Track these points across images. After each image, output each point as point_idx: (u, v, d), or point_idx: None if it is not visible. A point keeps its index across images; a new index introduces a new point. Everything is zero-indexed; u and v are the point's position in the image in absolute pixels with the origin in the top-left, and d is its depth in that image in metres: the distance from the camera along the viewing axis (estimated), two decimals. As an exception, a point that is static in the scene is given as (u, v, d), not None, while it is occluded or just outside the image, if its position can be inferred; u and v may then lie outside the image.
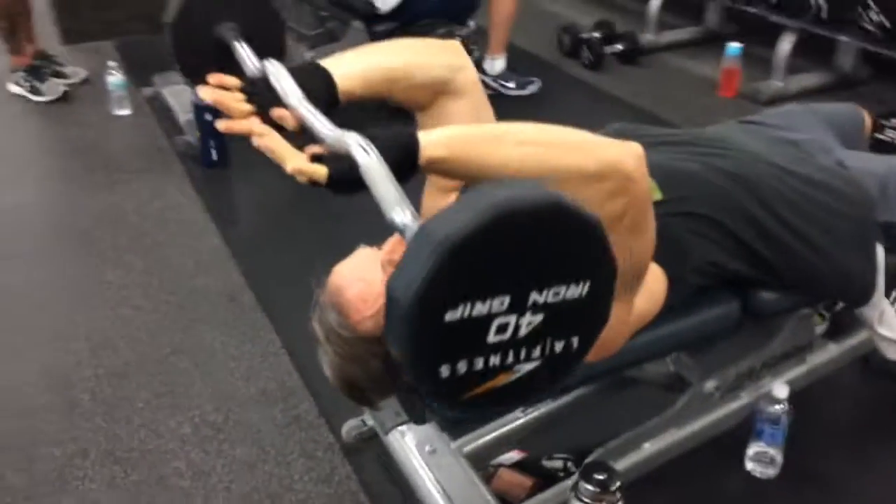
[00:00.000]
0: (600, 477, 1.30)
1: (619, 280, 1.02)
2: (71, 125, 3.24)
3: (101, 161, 2.97)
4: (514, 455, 1.65)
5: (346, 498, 1.59)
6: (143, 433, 1.76)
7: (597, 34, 3.99)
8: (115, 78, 3.28)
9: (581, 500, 1.31)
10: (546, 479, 1.57)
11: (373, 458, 1.65)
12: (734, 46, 3.43)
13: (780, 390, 1.54)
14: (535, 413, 1.64)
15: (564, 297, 0.79)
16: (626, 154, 0.99)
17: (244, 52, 1.24)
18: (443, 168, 0.96)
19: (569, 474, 1.61)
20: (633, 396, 1.65)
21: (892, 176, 1.43)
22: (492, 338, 0.78)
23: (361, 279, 1.18)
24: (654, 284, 1.18)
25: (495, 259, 0.75)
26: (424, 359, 0.79)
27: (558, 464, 1.64)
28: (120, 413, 1.81)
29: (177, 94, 3.22)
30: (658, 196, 1.23)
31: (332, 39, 3.37)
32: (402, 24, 3.21)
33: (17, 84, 3.43)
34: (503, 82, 3.57)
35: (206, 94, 1.10)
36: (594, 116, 1.48)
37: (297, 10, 3.31)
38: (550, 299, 0.78)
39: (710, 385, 1.53)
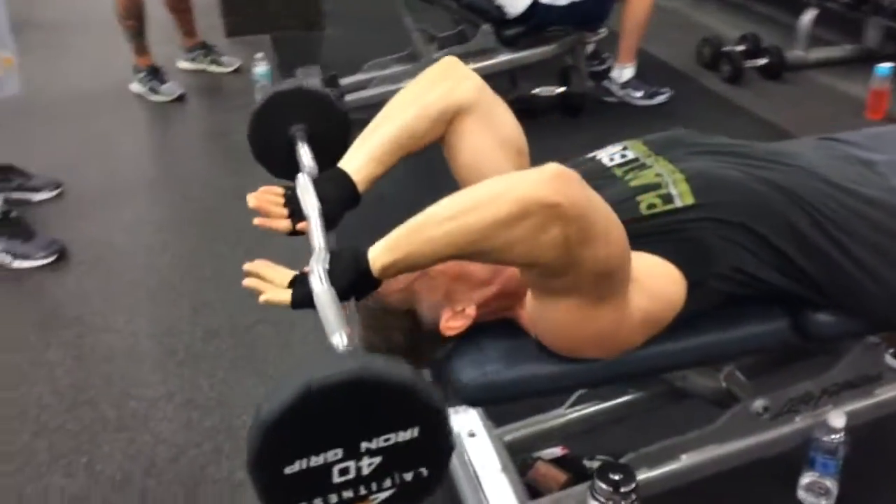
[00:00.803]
0: (615, 477, 1.30)
1: (592, 286, 1.07)
2: (216, 110, 3.55)
3: (235, 144, 3.21)
4: (556, 451, 1.66)
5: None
6: (221, 388, 1.92)
7: (740, 47, 3.86)
8: (260, 68, 3.54)
9: (596, 499, 1.32)
10: (581, 478, 1.57)
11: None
12: (885, 66, 3.22)
13: (837, 419, 1.46)
14: (581, 412, 1.65)
15: (397, 442, 0.89)
16: (538, 183, 0.98)
17: (303, 154, 1.43)
18: (397, 269, 1.08)
19: (608, 476, 1.61)
20: (688, 409, 1.61)
21: None
22: (336, 479, 0.89)
23: None
24: (665, 286, 1.17)
25: (314, 425, 0.87)
26: (280, 501, 0.90)
27: (598, 465, 1.63)
28: (206, 367, 1.99)
29: (316, 87, 3.43)
30: (690, 201, 1.21)
31: (462, 41, 3.47)
32: (530, 28, 3.27)
33: (139, 83, 3.65)
34: (631, 91, 3.53)
35: (250, 199, 1.33)
36: (724, 131, 1.47)
37: (428, 12, 3.43)
38: (382, 444, 0.88)
39: (758, 404, 1.47)
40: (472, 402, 1.28)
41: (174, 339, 2.09)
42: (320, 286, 1.06)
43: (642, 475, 1.43)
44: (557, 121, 3.35)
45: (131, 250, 2.52)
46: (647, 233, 1.20)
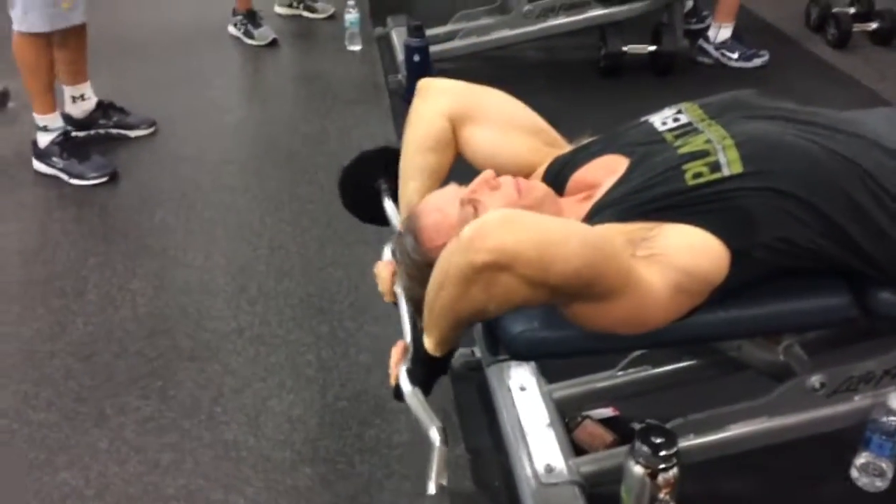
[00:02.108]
0: (657, 440, 1.31)
1: (588, 291, 1.09)
2: (307, 55, 3.62)
3: (322, 89, 3.29)
4: (606, 411, 1.68)
5: (439, 414, 1.69)
6: (289, 325, 2.00)
7: (851, 9, 3.65)
8: (351, 15, 3.59)
9: (636, 460, 1.32)
10: (628, 440, 1.57)
11: (474, 386, 1.76)
12: None
13: (894, 401, 1.42)
14: (634, 375, 1.64)
15: None
16: (462, 253, 1.03)
17: (389, 209, 1.59)
18: (445, 342, 1.21)
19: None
20: (745, 381, 1.59)
21: None
22: None
23: (439, 210, 1.29)
24: (700, 259, 1.14)
25: None
26: None
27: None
28: (275, 305, 2.07)
29: (402, 36, 3.45)
30: (739, 169, 1.18)
31: None
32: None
33: (235, 27, 3.74)
34: (726, 52, 3.40)
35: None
36: (823, 100, 1.42)
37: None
38: None
39: (814, 380, 1.44)
40: (519, 357, 1.30)
41: (248, 277, 2.18)
42: (408, 388, 1.24)
43: (687, 442, 1.43)
44: (645, 80, 3.27)
45: (215, 189, 2.63)
46: (692, 203, 1.18)
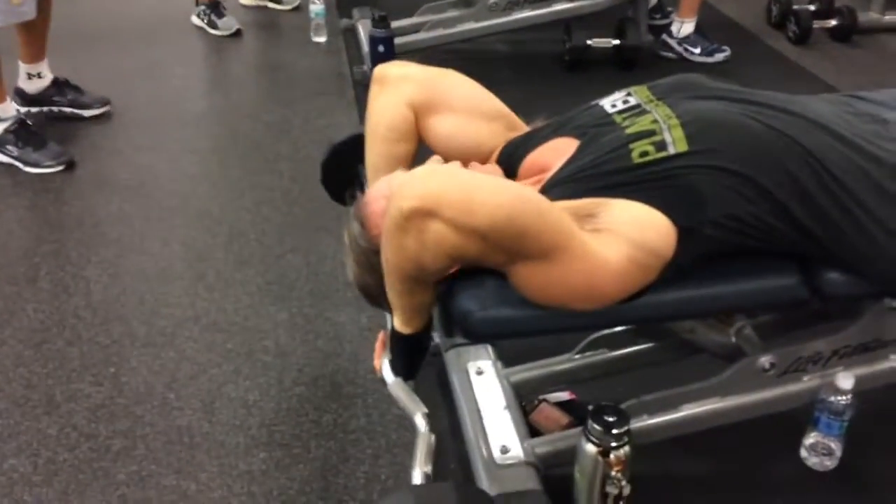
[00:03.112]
0: (609, 419, 1.31)
1: (521, 248, 1.10)
2: (271, 46, 3.60)
3: (286, 80, 3.27)
4: (562, 395, 1.68)
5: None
6: (247, 312, 1.98)
7: (811, 6, 3.71)
8: (317, 6, 3.56)
9: (589, 439, 1.33)
10: (584, 422, 1.58)
11: (434, 372, 1.75)
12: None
13: (845, 381, 1.43)
14: (591, 358, 1.65)
15: None
16: (395, 204, 1.05)
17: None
18: (411, 316, 1.24)
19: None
20: (700, 365, 1.60)
21: None
22: None
23: (385, 196, 1.28)
24: (648, 234, 1.15)
25: None
26: None
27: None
28: (233, 292, 2.05)
29: (368, 27, 3.43)
30: (684, 148, 1.19)
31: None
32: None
33: (198, 17, 3.71)
34: (689, 47, 3.43)
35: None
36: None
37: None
38: None
39: (764, 360, 1.45)
40: (473, 337, 1.30)
41: (206, 265, 2.16)
42: (391, 378, 1.32)
43: (640, 422, 1.44)
44: (609, 74, 3.29)
45: (174, 177, 2.60)
46: (638, 180, 1.19)
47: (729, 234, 1.20)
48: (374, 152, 1.47)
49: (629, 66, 3.32)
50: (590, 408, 1.61)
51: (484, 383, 1.58)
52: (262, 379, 1.77)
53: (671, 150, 1.19)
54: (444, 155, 1.44)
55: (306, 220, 2.34)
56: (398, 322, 1.22)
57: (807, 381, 1.49)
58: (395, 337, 1.25)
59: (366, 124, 1.50)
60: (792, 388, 1.49)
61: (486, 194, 1.05)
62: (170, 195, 2.49)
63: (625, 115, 1.30)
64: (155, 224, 2.34)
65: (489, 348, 1.66)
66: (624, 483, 1.32)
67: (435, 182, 1.04)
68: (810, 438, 1.52)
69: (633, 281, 1.17)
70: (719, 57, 3.41)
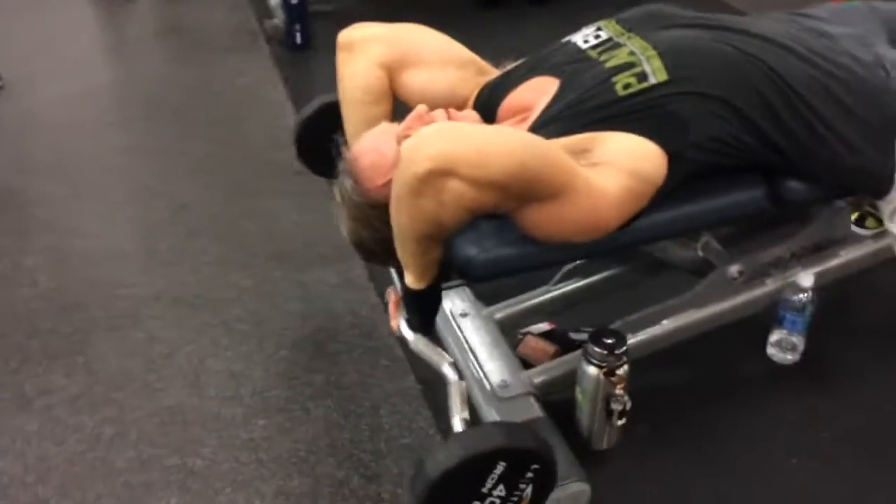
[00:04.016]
0: (608, 341, 1.39)
1: (535, 191, 1.13)
2: (169, 5, 3.42)
3: (195, 41, 3.14)
4: (543, 326, 1.74)
5: (383, 351, 1.73)
6: (210, 283, 1.94)
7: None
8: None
9: (590, 362, 1.40)
10: (569, 349, 1.65)
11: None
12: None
13: (806, 280, 1.56)
14: (565, 288, 1.72)
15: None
16: (405, 169, 1.06)
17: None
18: (423, 271, 1.24)
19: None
20: (667, 280, 1.69)
21: None
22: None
23: (376, 149, 1.29)
24: (643, 163, 1.21)
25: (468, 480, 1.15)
26: None
27: (583, 336, 1.69)
28: (191, 264, 2.00)
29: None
30: (664, 77, 1.24)
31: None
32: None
33: None
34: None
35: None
36: None
37: None
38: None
39: (733, 269, 1.56)
40: (477, 279, 1.33)
41: (156, 240, 2.09)
42: (411, 336, 1.34)
43: (629, 341, 1.52)
44: (522, 9, 3.30)
45: (98, 153, 2.48)
46: (626, 112, 1.24)
47: (709, 156, 1.27)
48: (353, 119, 1.46)
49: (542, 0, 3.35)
50: (572, 336, 1.71)
51: (470, 324, 1.63)
52: (243, 348, 1.76)
53: (652, 80, 1.24)
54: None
55: (250, 185, 2.29)
56: (412, 279, 1.24)
57: (770, 285, 1.61)
58: (410, 294, 1.27)
59: (340, 92, 1.49)
60: (758, 292, 1.60)
61: (495, 145, 1.08)
62: (98, 172, 2.38)
63: (599, 49, 1.33)
64: (89, 203, 2.24)
65: (467, 290, 1.71)
66: (626, 398, 1.40)
67: (445, 141, 1.05)
68: (775, 336, 1.65)
69: (630, 209, 1.23)
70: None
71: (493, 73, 1.49)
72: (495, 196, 1.09)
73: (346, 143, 1.61)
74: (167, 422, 1.59)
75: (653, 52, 1.27)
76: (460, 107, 1.46)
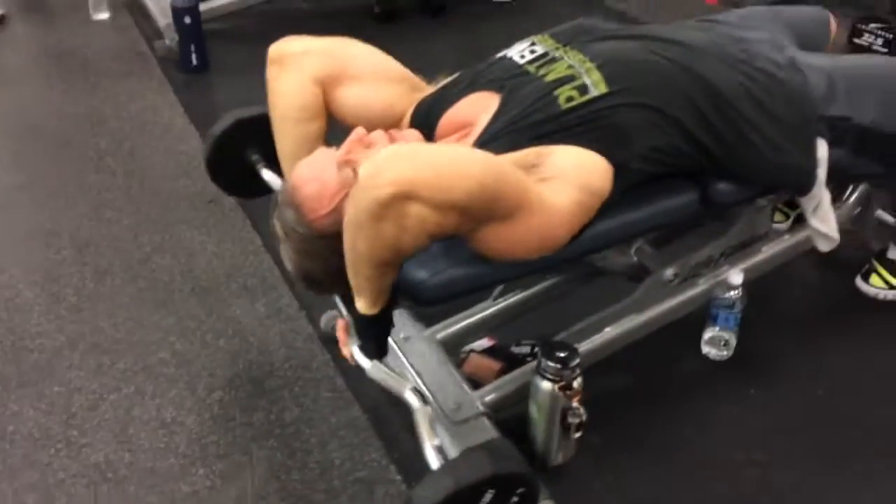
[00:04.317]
0: (561, 354, 1.38)
1: (493, 211, 1.11)
2: (47, 30, 3.21)
3: (80, 66, 2.96)
4: (484, 342, 1.73)
5: (323, 382, 1.67)
6: (128, 326, 1.82)
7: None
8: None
9: (544, 377, 1.39)
10: (514, 364, 1.65)
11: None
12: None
13: (735, 277, 1.61)
14: (504, 302, 1.70)
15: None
16: (363, 195, 1.02)
17: (272, 179, 1.57)
18: (375, 298, 1.18)
19: (535, 358, 1.69)
20: (599, 288, 1.71)
21: (837, 71, 1.44)
22: None
23: (317, 178, 1.24)
24: (592, 175, 1.22)
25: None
26: None
27: (525, 349, 1.72)
28: (104, 307, 1.87)
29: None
30: (605, 89, 1.26)
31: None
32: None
33: None
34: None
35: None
36: None
37: None
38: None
39: (668, 273, 1.59)
40: (430, 303, 1.30)
41: (60, 284, 1.95)
42: (367, 364, 1.27)
43: (575, 351, 1.53)
44: (421, 23, 3.29)
45: (-15, 193, 2.29)
46: (570, 125, 1.24)
47: (650, 165, 1.29)
48: (288, 137, 1.41)
49: (438, 12, 3.34)
50: (515, 349, 1.71)
51: (413, 347, 1.60)
52: (172, 393, 1.65)
53: (593, 93, 1.25)
54: (357, 123, 1.40)
55: (159, 217, 2.17)
56: (364, 305, 1.20)
57: (702, 284, 1.65)
58: (364, 320, 1.22)
59: (271, 109, 1.43)
60: (692, 292, 1.65)
61: (456, 167, 1.05)
62: (-13, 215, 2.20)
63: (536, 64, 1.33)
64: (-20, 250, 2.07)
65: (406, 313, 1.67)
66: (582, 411, 1.40)
67: (405, 165, 1.02)
68: (708, 333, 1.69)
69: (580, 222, 1.23)
70: (516, -7, 3.53)
71: (427, 89, 1.47)
72: (457, 219, 1.06)
73: (260, 158, 1.57)
74: (97, 481, 1.48)
75: (591, 65, 1.28)
76: (396, 123, 1.43)
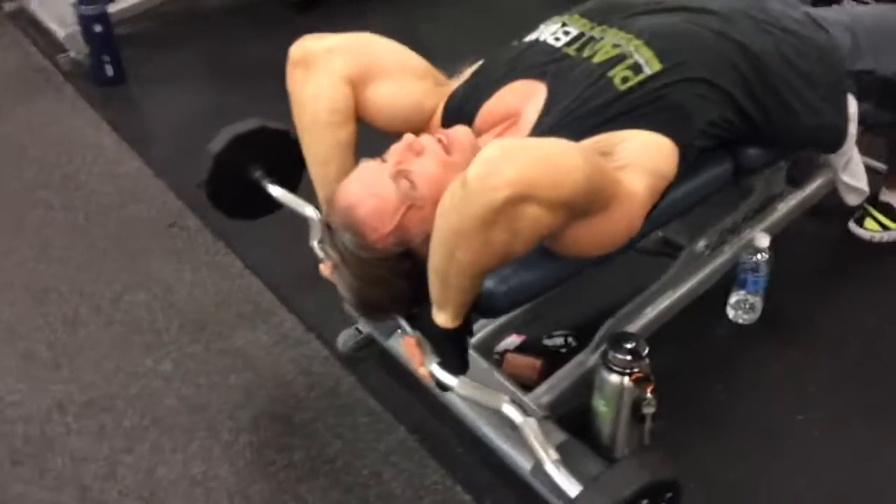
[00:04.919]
0: (629, 346, 1.33)
1: (597, 203, 1.04)
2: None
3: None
4: (514, 339, 1.66)
5: (357, 407, 1.56)
6: (120, 377, 1.64)
7: None
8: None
9: (612, 370, 1.34)
10: (550, 357, 1.59)
11: (374, 364, 1.62)
12: None
13: (763, 240, 1.60)
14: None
15: None
16: (477, 196, 0.92)
17: (282, 196, 1.46)
18: (460, 312, 1.10)
19: (570, 348, 1.64)
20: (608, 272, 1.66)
21: (857, 24, 1.45)
22: None
23: (373, 195, 1.13)
24: (660, 158, 1.17)
25: None
26: None
27: (559, 340, 1.66)
28: (85, 359, 1.68)
29: (49, 7, 2.85)
30: (658, 66, 1.20)
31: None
32: None
33: None
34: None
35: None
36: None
37: None
38: None
39: (700, 245, 1.57)
40: (502, 311, 1.22)
41: (28, 340, 1.73)
42: (454, 381, 1.15)
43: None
44: (345, 7, 3.14)
45: None
46: (632, 108, 1.18)
47: (706, 141, 1.25)
48: (321, 144, 1.27)
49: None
50: (547, 342, 1.65)
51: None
52: (194, 445, 1.50)
53: (648, 71, 1.19)
54: (387, 124, 1.32)
55: (117, 250, 1.96)
56: (449, 318, 1.09)
57: (728, 251, 1.64)
58: (445, 335, 1.12)
59: (299, 116, 1.29)
60: (720, 260, 1.63)
61: (562, 160, 0.96)
62: None
63: (576, 46, 1.26)
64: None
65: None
66: (654, 400, 1.36)
67: (522, 164, 0.92)
68: (734, 297, 1.69)
69: (649, 208, 1.18)
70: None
71: (449, 82, 1.37)
72: (565, 217, 0.98)
73: (264, 174, 1.46)
74: (139, 557, 1.33)
75: (639, 42, 1.22)
76: (426, 122, 1.34)
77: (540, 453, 1.08)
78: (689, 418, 1.50)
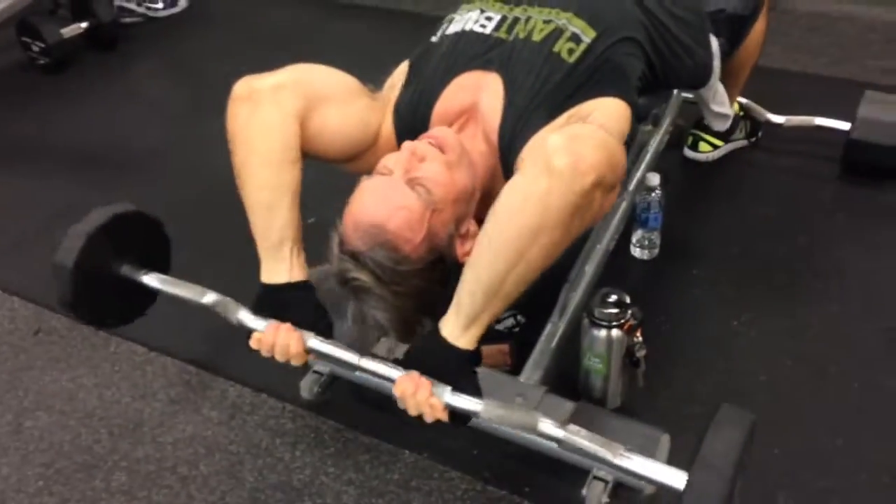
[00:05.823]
0: (612, 299, 1.41)
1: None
2: None
3: None
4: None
5: (353, 449, 1.48)
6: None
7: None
8: None
9: (601, 326, 1.40)
10: (508, 339, 1.63)
11: (347, 401, 1.55)
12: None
13: (654, 179, 1.76)
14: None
15: None
16: (567, 184, 0.95)
17: (154, 281, 1.33)
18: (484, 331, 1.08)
19: (521, 326, 1.69)
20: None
21: None
22: None
23: (399, 207, 1.13)
24: (623, 124, 1.26)
25: None
26: None
27: (509, 322, 1.70)
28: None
29: None
30: (592, 34, 1.29)
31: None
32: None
33: None
34: (150, 4, 3.19)
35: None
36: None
37: None
38: None
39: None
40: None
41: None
42: (479, 405, 1.08)
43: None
44: (100, 60, 2.89)
45: None
46: (586, 78, 1.26)
47: (637, 96, 1.36)
48: (267, 188, 1.18)
49: (112, 44, 2.95)
50: (498, 327, 1.68)
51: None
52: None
53: (586, 40, 1.28)
54: (339, 152, 1.29)
55: (34, 346, 1.67)
56: (474, 337, 1.08)
57: (626, 196, 1.78)
58: (465, 357, 1.09)
59: (244, 155, 1.19)
60: (623, 204, 1.75)
61: (611, 144, 1.02)
62: None
63: (503, 28, 1.30)
64: None
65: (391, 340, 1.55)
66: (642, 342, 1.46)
67: (592, 148, 0.95)
68: (636, 236, 1.84)
69: None
70: (183, 4, 3.25)
71: (380, 94, 1.35)
72: (613, 196, 1.03)
73: (134, 266, 1.32)
74: None
75: (569, 14, 1.30)
76: (373, 139, 1.33)
77: (603, 454, 1.05)
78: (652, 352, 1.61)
